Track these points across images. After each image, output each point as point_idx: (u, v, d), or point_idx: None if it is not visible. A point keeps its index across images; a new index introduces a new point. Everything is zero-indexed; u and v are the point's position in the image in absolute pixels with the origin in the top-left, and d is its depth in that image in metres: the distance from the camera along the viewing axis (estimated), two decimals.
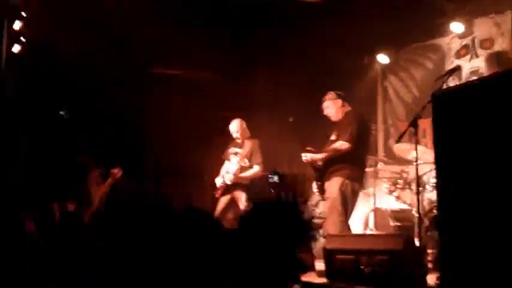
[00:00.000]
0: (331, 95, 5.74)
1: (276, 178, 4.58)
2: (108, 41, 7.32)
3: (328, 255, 4.51)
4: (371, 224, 6.69)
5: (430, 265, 4.86)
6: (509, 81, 2.63)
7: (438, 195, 3.13)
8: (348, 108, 5.69)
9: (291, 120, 5.61)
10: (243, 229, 2.65)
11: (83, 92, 7.74)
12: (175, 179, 7.78)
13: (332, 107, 5.68)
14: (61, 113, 8.06)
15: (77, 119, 7.92)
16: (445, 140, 3.04)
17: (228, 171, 6.77)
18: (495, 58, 4.93)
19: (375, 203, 6.50)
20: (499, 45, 6.61)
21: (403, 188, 6.69)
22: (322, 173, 5.52)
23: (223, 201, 6.75)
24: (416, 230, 6.11)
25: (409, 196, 6.74)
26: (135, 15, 6.72)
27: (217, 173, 6.92)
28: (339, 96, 5.71)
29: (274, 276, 2.51)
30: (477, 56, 6.91)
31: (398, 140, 4.78)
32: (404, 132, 4.63)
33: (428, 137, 7.13)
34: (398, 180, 6.70)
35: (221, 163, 7.00)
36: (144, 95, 7.95)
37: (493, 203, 2.70)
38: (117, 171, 6.42)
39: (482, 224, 2.76)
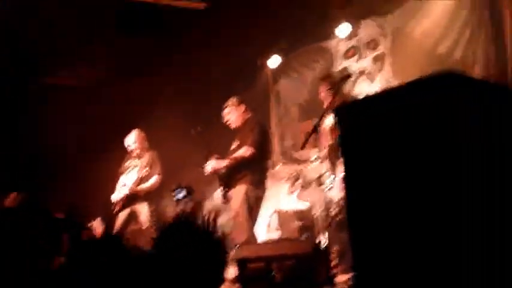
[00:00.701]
0: (233, 101, 5.69)
1: (181, 193, 4.47)
2: None
3: (240, 264, 4.53)
4: (274, 225, 6.79)
5: (336, 261, 5.03)
6: (402, 96, 2.87)
7: (346, 199, 3.27)
8: (248, 114, 5.69)
9: (198, 129, 5.48)
10: (155, 251, 2.61)
11: None
12: (61, 194, 7.38)
13: (233, 114, 5.64)
14: None
15: None
16: (350, 149, 3.19)
17: (125, 184, 6.58)
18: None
19: (276, 205, 6.60)
20: (383, 46, 6.97)
21: (302, 188, 6.88)
22: (227, 180, 5.50)
23: (122, 216, 6.55)
24: (318, 228, 6.33)
25: (309, 196, 6.93)
26: (17, 19, 6.23)
27: (113, 189, 6.70)
28: (241, 103, 5.69)
29: None
30: (363, 57, 7.24)
31: (303, 147, 4.88)
32: (307, 140, 4.74)
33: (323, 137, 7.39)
34: (298, 181, 6.88)
35: (117, 178, 6.79)
36: (30, 103, 7.50)
37: (398, 204, 2.87)
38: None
39: (391, 225, 2.91)
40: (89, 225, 6.02)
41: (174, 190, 4.57)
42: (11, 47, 6.83)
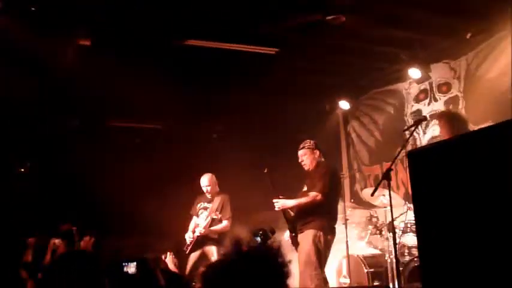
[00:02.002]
0: (309, 143, 5.69)
1: (258, 239, 4.47)
2: (64, 97, 7.19)
3: None
4: (344, 271, 6.67)
5: None
6: (475, 143, 2.83)
7: (419, 246, 3.20)
8: (321, 159, 5.68)
9: (265, 171, 5.53)
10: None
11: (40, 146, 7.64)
12: (132, 236, 7.55)
13: (308, 156, 5.63)
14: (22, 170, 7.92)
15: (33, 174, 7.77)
16: (421, 193, 3.15)
17: (198, 225, 6.70)
18: (449, 118, 5.13)
19: (347, 250, 6.49)
20: (456, 89, 6.84)
21: (373, 233, 6.75)
22: (295, 224, 5.47)
23: (193, 257, 6.67)
24: (389, 275, 6.17)
25: (380, 241, 6.79)
26: (85, 68, 6.55)
27: (185, 229, 6.84)
28: (316, 146, 5.70)
29: None
30: (435, 100, 7.12)
31: (373, 193, 4.82)
32: (378, 185, 4.68)
33: (393, 180, 7.26)
34: (369, 226, 6.76)
35: (189, 218, 6.93)
36: (99, 148, 7.80)
37: (474, 250, 2.78)
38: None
39: (464, 272, 2.82)
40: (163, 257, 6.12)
41: (253, 236, 4.58)
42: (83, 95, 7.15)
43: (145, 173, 7.91)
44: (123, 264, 2.85)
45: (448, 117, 5.10)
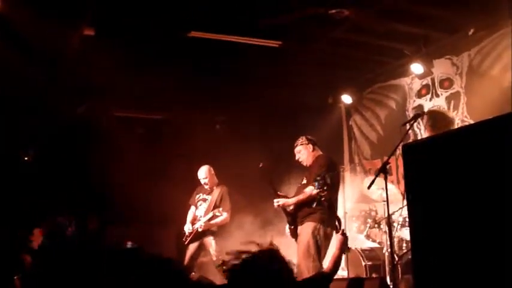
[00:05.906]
0: (302, 139, 5.73)
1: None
2: (69, 86, 7.25)
3: None
4: (343, 264, 6.71)
5: None
6: (470, 137, 2.85)
7: (411, 240, 3.22)
8: (319, 152, 5.71)
9: (261, 165, 5.56)
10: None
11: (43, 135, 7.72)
12: (136, 224, 7.62)
13: (304, 152, 5.68)
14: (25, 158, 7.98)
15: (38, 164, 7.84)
16: (414, 185, 3.17)
17: (199, 218, 6.74)
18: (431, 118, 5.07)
19: None
20: (458, 85, 6.84)
21: (372, 227, 6.79)
22: (295, 217, 5.51)
23: (192, 248, 6.71)
24: (387, 268, 6.20)
25: (379, 234, 6.83)
26: (90, 57, 6.58)
27: (184, 220, 6.88)
28: (309, 141, 5.72)
29: None
30: (437, 96, 7.13)
31: (370, 186, 4.84)
32: (375, 178, 4.71)
33: (394, 175, 7.29)
34: (368, 219, 6.80)
35: (187, 209, 6.97)
36: (104, 137, 7.86)
37: (465, 243, 2.80)
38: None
39: (456, 264, 2.84)
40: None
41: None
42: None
43: (148, 163, 7.97)
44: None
45: (431, 116, 5.07)
